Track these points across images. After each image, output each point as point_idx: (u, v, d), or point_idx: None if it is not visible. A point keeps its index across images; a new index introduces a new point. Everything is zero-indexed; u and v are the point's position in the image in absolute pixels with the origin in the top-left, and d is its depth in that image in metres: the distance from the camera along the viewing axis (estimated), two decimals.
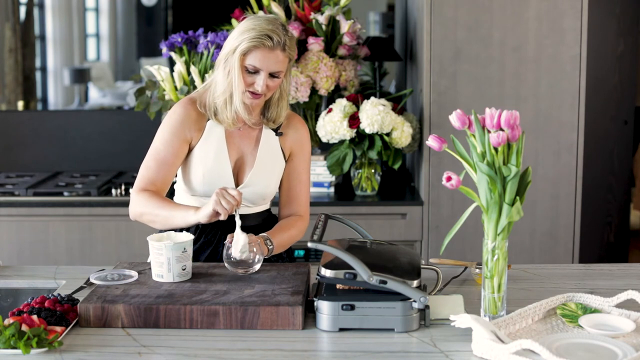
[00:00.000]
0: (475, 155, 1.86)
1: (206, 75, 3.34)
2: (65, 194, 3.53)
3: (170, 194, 2.47)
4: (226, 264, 2.10)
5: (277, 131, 2.37)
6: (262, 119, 2.35)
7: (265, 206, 2.43)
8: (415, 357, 1.75)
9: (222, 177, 2.30)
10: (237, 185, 2.33)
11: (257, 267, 2.10)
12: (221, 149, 2.31)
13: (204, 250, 2.36)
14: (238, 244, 2.08)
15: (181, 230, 2.34)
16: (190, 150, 2.31)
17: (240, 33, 2.20)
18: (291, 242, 2.36)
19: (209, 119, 2.30)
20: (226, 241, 2.12)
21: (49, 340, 1.75)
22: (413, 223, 3.40)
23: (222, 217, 2.09)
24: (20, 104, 6.77)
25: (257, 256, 2.10)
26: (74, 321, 1.90)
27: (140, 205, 2.25)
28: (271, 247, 2.22)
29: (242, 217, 2.34)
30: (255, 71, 2.20)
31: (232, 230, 2.30)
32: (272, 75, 2.21)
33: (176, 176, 2.41)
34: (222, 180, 2.30)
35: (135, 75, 3.68)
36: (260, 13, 3.48)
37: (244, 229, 2.20)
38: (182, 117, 2.29)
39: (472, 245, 3.32)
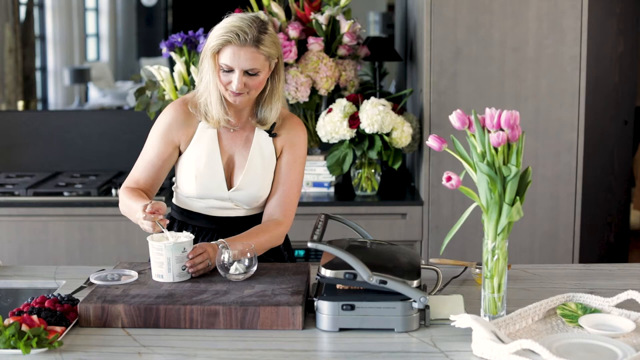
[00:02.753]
0: (475, 155, 1.86)
1: None
2: (65, 194, 3.53)
3: (170, 195, 2.47)
4: (219, 270, 2.07)
5: (270, 132, 2.34)
6: (253, 121, 2.33)
7: (260, 209, 2.40)
8: (415, 357, 1.75)
9: (214, 178, 2.29)
10: (229, 188, 2.32)
11: (250, 273, 2.07)
12: (213, 151, 2.29)
13: None
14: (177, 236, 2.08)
15: (181, 230, 2.34)
16: (182, 152, 2.31)
17: (213, 33, 2.20)
18: (260, 249, 2.23)
19: (200, 121, 2.30)
20: (219, 246, 2.09)
21: (49, 340, 1.75)
22: (413, 223, 3.40)
23: (153, 231, 2.07)
24: (20, 104, 6.77)
25: (251, 262, 2.07)
26: (74, 321, 1.90)
27: (120, 202, 2.28)
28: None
29: (239, 219, 2.34)
30: (230, 70, 2.17)
31: (231, 232, 2.30)
32: (248, 73, 2.18)
33: (174, 177, 2.42)
34: (214, 182, 2.29)
35: (135, 75, 3.67)
36: (260, 13, 3.47)
37: (241, 232, 2.22)
38: (170, 120, 2.28)
39: (472, 245, 3.32)
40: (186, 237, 2.11)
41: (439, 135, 1.93)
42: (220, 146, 2.30)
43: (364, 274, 1.87)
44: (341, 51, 3.53)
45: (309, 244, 1.92)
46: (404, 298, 1.87)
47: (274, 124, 2.33)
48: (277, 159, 2.36)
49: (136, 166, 2.31)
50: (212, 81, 2.20)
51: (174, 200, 2.43)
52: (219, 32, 2.17)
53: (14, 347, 1.73)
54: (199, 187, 2.29)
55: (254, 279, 2.07)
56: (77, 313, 1.91)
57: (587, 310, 1.94)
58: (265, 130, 2.33)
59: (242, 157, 2.32)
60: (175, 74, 3.40)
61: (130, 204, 2.18)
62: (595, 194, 4.34)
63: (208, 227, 2.36)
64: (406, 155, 4.02)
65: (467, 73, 3.34)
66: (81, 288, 2.15)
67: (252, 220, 2.38)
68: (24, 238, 3.42)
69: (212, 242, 2.15)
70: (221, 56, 2.17)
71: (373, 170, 3.48)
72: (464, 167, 1.91)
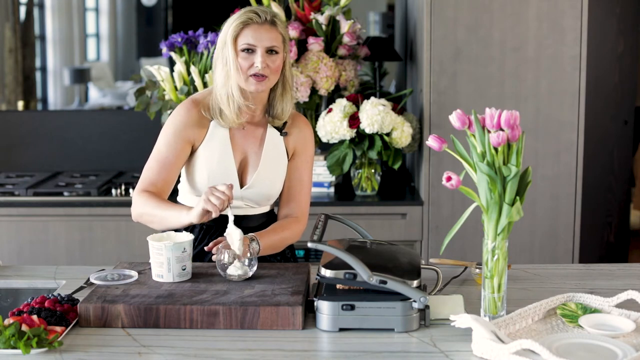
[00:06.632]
0: (475, 155, 1.86)
1: (206, 75, 3.34)
2: (65, 194, 3.53)
3: (174, 194, 2.47)
4: (219, 270, 2.08)
5: (281, 131, 2.36)
6: (267, 118, 2.35)
7: (268, 207, 2.43)
8: (415, 357, 1.75)
9: (227, 177, 2.30)
10: (241, 186, 2.33)
11: (250, 273, 2.08)
12: (226, 150, 2.30)
13: (208, 252, 2.36)
14: (232, 238, 2.05)
15: (188, 228, 2.34)
16: (194, 151, 2.31)
17: (228, 23, 2.25)
18: (283, 244, 2.34)
19: (212, 120, 2.30)
20: (219, 246, 2.10)
21: (49, 340, 1.75)
22: (413, 223, 3.40)
23: (214, 215, 2.06)
24: (20, 104, 6.77)
25: (251, 262, 2.07)
26: (74, 321, 1.90)
27: (140, 206, 2.25)
28: (257, 249, 2.19)
29: (246, 217, 2.34)
30: (251, 50, 2.21)
31: None
32: (268, 52, 2.22)
33: (179, 177, 2.41)
34: (227, 181, 2.29)
35: (135, 75, 3.67)
36: None
37: (248, 229, 2.20)
38: (185, 118, 2.29)
39: (472, 245, 3.32)
40: (186, 237, 2.11)
41: (439, 135, 1.93)
42: (232, 145, 2.31)
43: (364, 274, 1.87)
44: (341, 51, 3.53)
45: (309, 244, 1.92)
46: (404, 298, 1.87)
47: (285, 123, 2.36)
48: (289, 158, 2.38)
49: (149, 168, 2.29)
50: (233, 67, 2.22)
51: (179, 199, 2.43)
52: (235, 17, 2.23)
53: (14, 347, 1.73)
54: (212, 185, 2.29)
55: (254, 279, 2.07)
56: (77, 313, 1.91)
57: (587, 310, 1.94)
58: (276, 129, 2.35)
59: (255, 156, 2.34)
60: (175, 74, 3.40)
61: (167, 213, 2.18)
62: (595, 194, 4.34)
63: (216, 225, 2.36)
64: (406, 155, 4.02)
65: (467, 73, 3.34)
66: (81, 288, 2.16)
67: (259, 218, 2.39)
68: (24, 238, 3.42)
69: (244, 235, 2.14)
70: (241, 38, 2.21)
71: (373, 170, 3.48)
72: (464, 167, 1.91)
